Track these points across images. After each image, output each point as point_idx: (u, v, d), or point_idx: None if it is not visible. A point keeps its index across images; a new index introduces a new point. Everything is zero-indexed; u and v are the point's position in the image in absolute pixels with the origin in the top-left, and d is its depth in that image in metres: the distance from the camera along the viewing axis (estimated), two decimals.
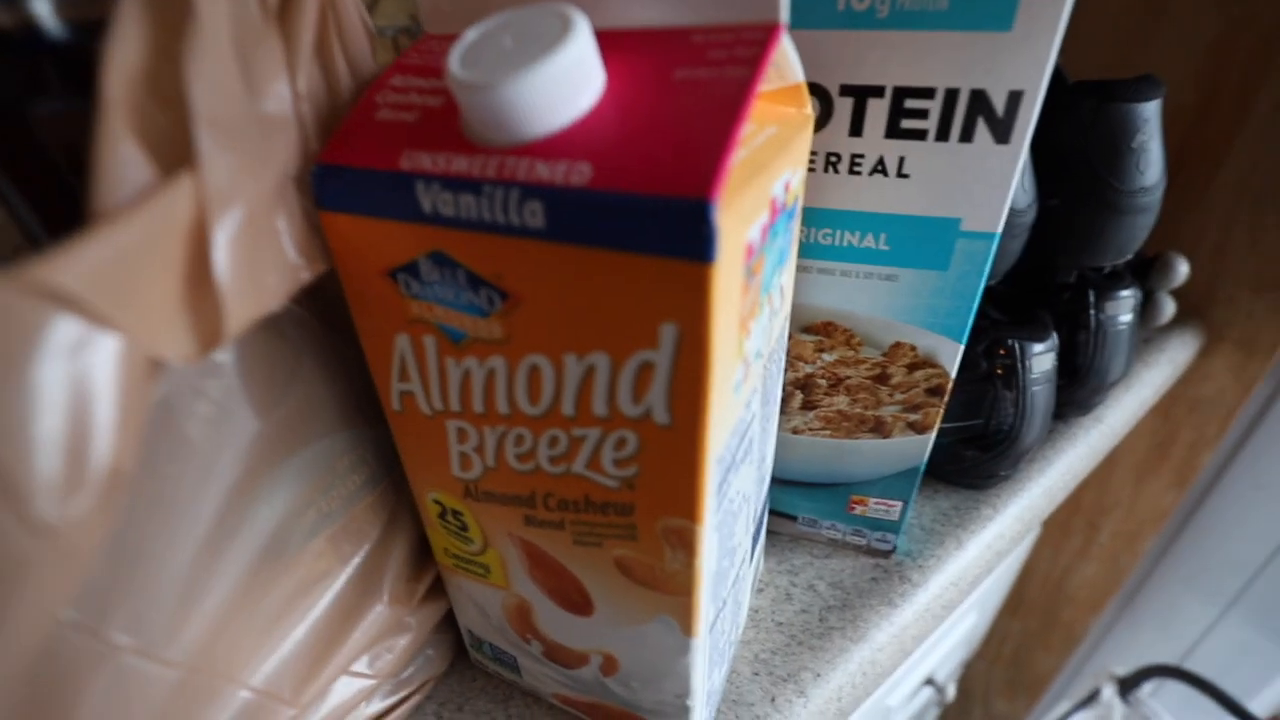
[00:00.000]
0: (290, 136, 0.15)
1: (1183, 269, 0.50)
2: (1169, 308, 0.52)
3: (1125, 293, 0.39)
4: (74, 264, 0.11)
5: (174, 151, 0.13)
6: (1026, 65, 0.19)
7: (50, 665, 0.15)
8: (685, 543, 0.17)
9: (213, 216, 0.13)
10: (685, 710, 0.22)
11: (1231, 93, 0.49)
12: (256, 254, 0.14)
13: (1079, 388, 0.40)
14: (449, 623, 0.27)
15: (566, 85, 0.13)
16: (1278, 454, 0.63)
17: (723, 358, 0.14)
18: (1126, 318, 0.39)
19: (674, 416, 0.14)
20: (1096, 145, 0.33)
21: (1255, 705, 0.73)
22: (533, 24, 0.13)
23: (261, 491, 0.18)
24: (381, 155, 0.15)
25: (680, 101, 0.13)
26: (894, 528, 0.31)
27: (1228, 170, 0.52)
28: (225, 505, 0.17)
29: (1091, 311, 0.38)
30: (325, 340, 0.20)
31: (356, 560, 0.22)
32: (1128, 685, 0.75)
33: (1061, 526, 0.77)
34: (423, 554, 0.25)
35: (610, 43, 0.15)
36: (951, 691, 0.73)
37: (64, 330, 0.11)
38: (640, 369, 0.14)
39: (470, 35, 0.14)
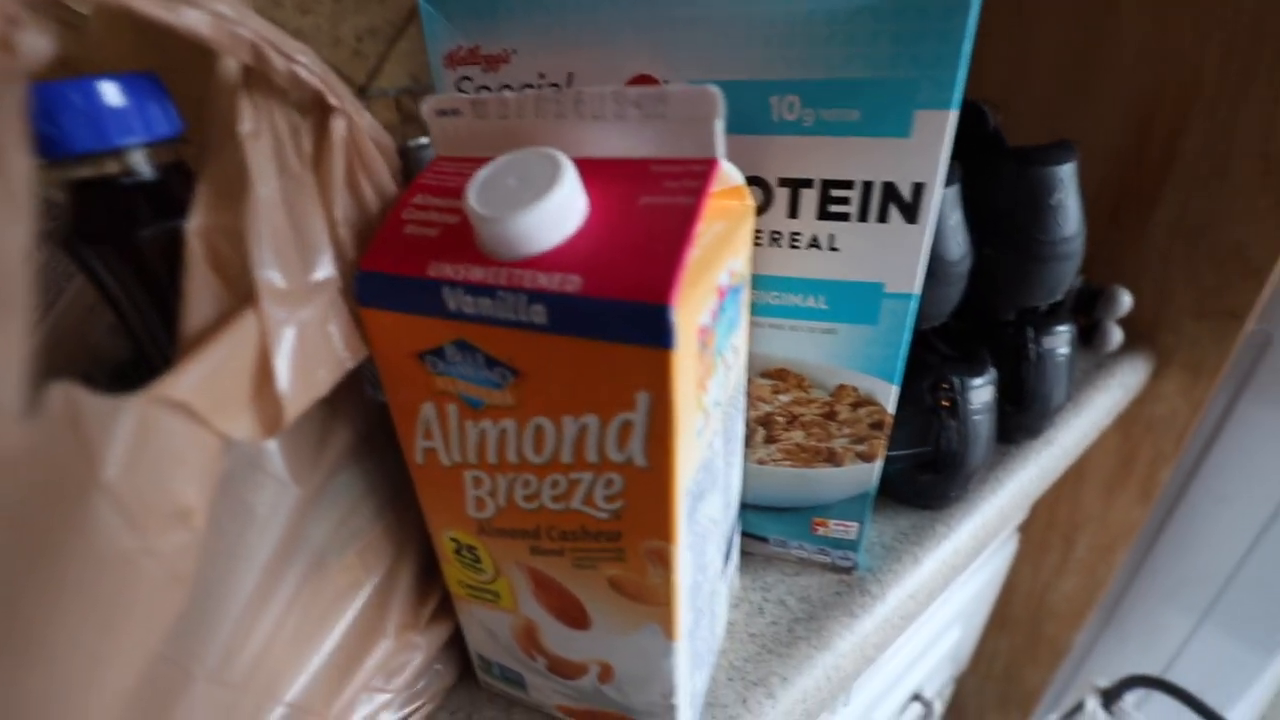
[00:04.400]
0: (330, 257, 0.19)
1: (1125, 300, 0.55)
2: (1116, 336, 0.57)
3: (1061, 328, 0.43)
4: (184, 381, 0.15)
5: (245, 279, 0.17)
6: (924, 163, 0.23)
7: (150, 689, 0.19)
8: (664, 560, 0.21)
9: (272, 342, 0.17)
10: (671, 709, 0.25)
11: (1159, 140, 0.55)
12: (310, 358, 0.18)
13: (1025, 414, 0.45)
14: (454, 642, 0.30)
15: (558, 215, 0.17)
16: (1234, 469, 0.67)
17: (685, 413, 0.18)
18: (1064, 350, 0.44)
19: (650, 460, 0.18)
20: (1021, 203, 0.38)
21: (1235, 713, 0.76)
22: (531, 166, 0.18)
23: (308, 524, 0.22)
24: (412, 264, 0.19)
25: (644, 223, 0.18)
26: (853, 546, 0.35)
27: (1163, 209, 0.56)
28: (278, 547, 0.21)
29: (1031, 345, 0.43)
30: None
31: (379, 576, 0.25)
32: (1110, 696, 0.78)
33: (1039, 542, 0.80)
34: (427, 581, 0.28)
35: (589, 169, 0.19)
36: (939, 709, 0.75)
37: (173, 423, 0.15)
38: (622, 426, 0.18)
39: (481, 175, 0.18)
